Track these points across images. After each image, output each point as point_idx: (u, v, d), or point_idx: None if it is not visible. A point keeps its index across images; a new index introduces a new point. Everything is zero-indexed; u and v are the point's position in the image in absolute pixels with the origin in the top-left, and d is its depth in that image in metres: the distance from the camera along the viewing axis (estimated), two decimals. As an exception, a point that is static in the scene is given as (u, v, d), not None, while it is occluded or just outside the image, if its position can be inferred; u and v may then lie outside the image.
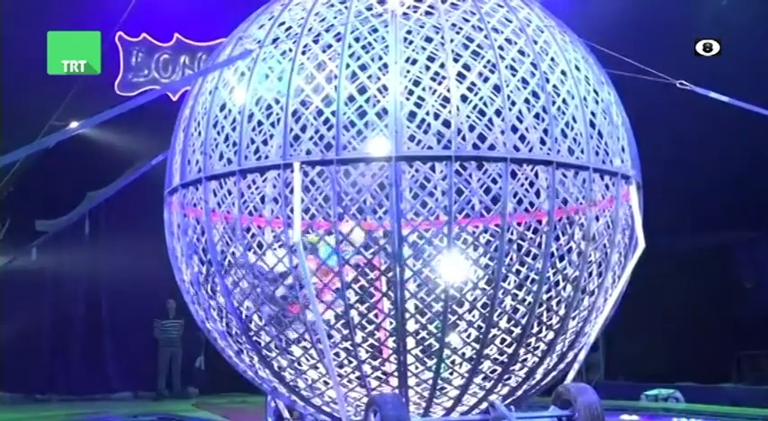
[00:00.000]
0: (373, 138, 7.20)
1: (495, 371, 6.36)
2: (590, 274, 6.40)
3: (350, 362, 6.45)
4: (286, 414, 7.49)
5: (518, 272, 6.91)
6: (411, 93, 7.04)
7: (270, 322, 6.24)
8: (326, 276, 6.23)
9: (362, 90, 6.44)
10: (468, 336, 6.63)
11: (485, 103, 6.84)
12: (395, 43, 6.18)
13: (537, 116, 6.41)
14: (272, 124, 6.64)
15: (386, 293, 6.47)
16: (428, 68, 7.02)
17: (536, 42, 6.32)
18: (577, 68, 6.47)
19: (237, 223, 6.25)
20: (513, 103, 6.24)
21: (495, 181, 7.31)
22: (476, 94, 6.94)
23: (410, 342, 6.13)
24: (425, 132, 7.59)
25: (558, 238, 6.39)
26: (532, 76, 6.17)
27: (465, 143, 7.07)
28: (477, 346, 6.16)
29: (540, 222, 6.88)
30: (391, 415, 5.54)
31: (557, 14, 6.96)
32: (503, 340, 6.51)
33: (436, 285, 6.71)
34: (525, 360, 6.39)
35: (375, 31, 6.38)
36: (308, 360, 6.46)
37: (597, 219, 6.41)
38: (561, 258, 6.39)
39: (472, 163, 7.21)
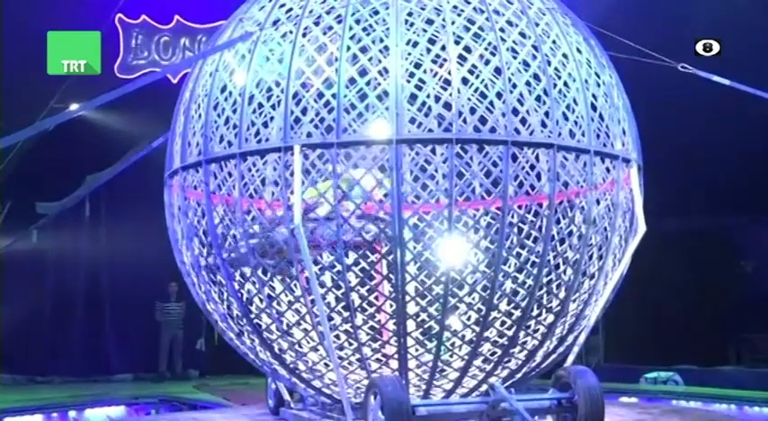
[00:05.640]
0: (374, 120, 7.19)
1: (494, 353, 6.37)
2: (590, 258, 6.40)
3: (350, 344, 6.47)
4: (286, 396, 7.53)
5: (518, 255, 6.93)
6: (412, 75, 7.02)
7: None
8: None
9: (363, 72, 6.43)
10: (469, 319, 6.65)
11: (486, 86, 6.83)
12: (396, 25, 6.15)
13: (538, 99, 6.39)
14: (273, 107, 6.62)
15: (386, 276, 6.48)
16: (429, 51, 7.00)
17: (537, 25, 6.29)
18: (579, 51, 6.44)
19: (238, 206, 6.25)
20: (515, 86, 6.21)
21: (495, 164, 7.31)
22: (477, 77, 6.92)
23: (410, 324, 6.14)
24: (426, 115, 7.58)
25: (558, 222, 6.39)
26: (534, 58, 6.15)
27: (466, 126, 7.07)
28: (477, 329, 6.17)
29: (540, 205, 6.88)
30: (391, 397, 5.56)
31: (559, -3, 6.93)
32: (503, 323, 6.52)
33: (436, 268, 6.71)
34: (525, 343, 6.41)
35: (376, 12, 6.36)
36: (308, 342, 6.48)
37: (598, 202, 6.40)
38: (562, 241, 6.40)
39: (473, 146, 7.19)
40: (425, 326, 6.37)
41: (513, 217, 7.01)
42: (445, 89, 7.08)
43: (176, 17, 15.08)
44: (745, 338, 13.18)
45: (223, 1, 9.37)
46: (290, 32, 6.31)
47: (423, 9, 6.55)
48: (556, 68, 6.21)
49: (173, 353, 14.86)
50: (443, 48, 6.49)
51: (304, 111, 7.09)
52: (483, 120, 6.76)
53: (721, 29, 8.98)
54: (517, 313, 6.35)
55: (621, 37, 7.44)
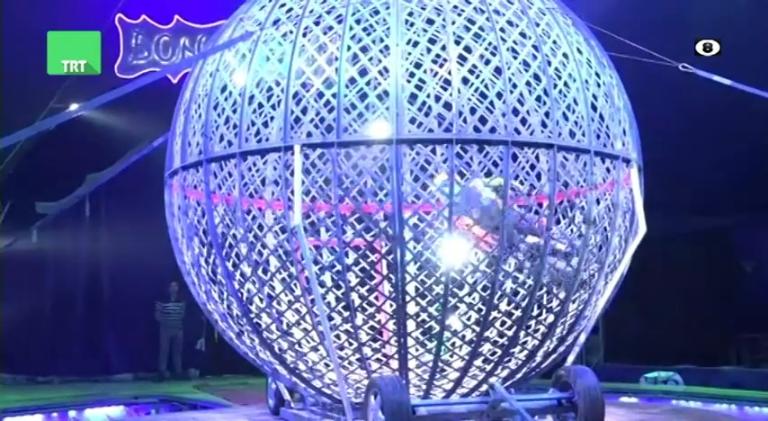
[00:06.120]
0: (374, 120, 7.19)
1: (495, 353, 6.38)
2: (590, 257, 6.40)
3: (350, 344, 6.47)
4: (287, 396, 7.53)
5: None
6: (412, 75, 7.02)
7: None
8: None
9: (363, 72, 6.42)
10: (469, 319, 6.64)
11: (486, 86, 6.82)
12: (396, 25, 6.15)
13: (538, 99, 6.39)
14: (273, 106, 6.62)
15: (386, 276, 6.48)
16: (429, 51, 6.99)
17: (538, 25, 6.29)
18: (579, 51, 6.44)
19: (238, 205, 6.25)
20: (515, 86, 6.21)
21: (496, 164, 7.30)
22: (477, 77, 6.92)
23: (410, 324, 6.14)
24: (426, 115, 7.58)
25: (558, 221, 6.38)
26: (534, 58, 6.14)
27: (466, 126, 7.06)
28: (478, 329, 6.17)
29: (540, 205, 6.88)
30: (391, 397, 5.56)
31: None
32: (503, 323, 6.52)
33: (437, 268, 6.71)
34: (525, 343, 6.41)
35: (376, 12, 6.35)
36: (308, 342, 6.48)
37: (598, 202, 6.40)
38: (562, 241, 6.39)
39: (473, 146, 7.20)
40: (425, 326, 6.37)
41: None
42: (445, 89, 7.08)
43: (176, 17, 15.06)
44: (745, 338, 13.19)
45: (223, 1, 9.36)
46: (291, 32, 6.31)
47: (423, 9, 6.55)
48: (556, 68, 6.21)
49: (173, 353, 14.85)
50: (444, 48, 6.48)
51: (304, 111, 7.08)
52: (483, 121, 6.75)
53: (721, 29, 8.98)
54: (517, 313, 6.35)
55: (622, 37, 7.43)
